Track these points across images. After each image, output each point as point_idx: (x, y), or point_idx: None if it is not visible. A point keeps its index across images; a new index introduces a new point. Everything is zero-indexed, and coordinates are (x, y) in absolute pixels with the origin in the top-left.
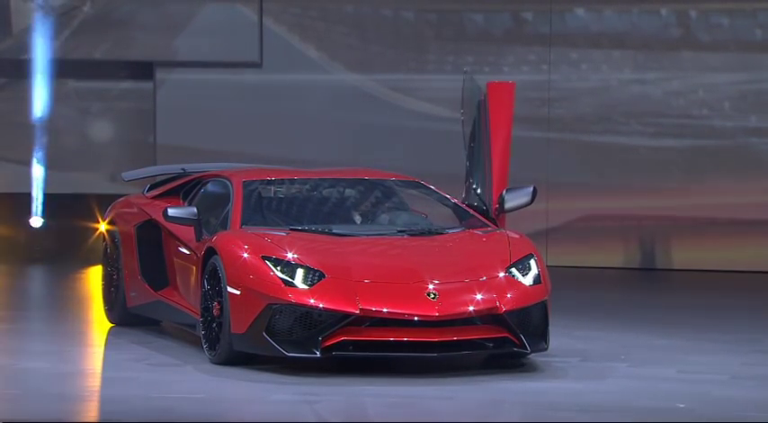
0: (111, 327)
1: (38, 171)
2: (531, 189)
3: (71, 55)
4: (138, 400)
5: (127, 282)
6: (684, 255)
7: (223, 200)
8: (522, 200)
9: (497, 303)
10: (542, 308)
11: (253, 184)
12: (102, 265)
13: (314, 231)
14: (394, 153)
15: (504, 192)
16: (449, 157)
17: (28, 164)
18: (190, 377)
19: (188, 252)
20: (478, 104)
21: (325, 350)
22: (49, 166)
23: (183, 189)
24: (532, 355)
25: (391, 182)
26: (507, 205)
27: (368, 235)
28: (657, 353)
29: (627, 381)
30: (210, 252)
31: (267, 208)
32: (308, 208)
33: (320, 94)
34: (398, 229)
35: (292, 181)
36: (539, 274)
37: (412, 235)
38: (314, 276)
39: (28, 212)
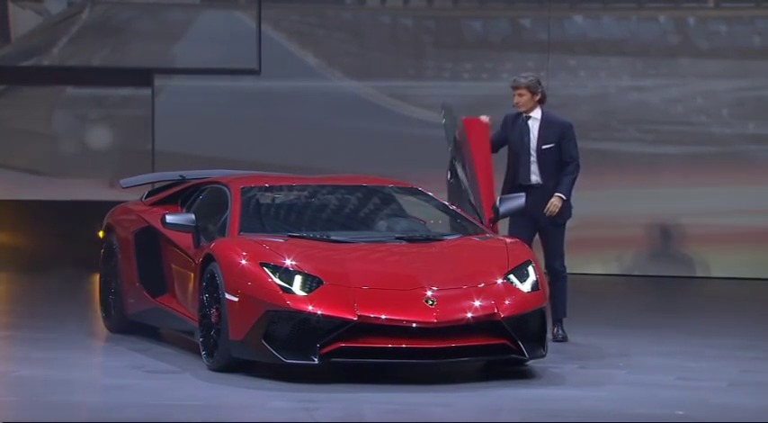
0: (109, 334)
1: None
2: (523, 200)
3: (69, 62)
4: (136, 408)
5: (125, 288)
6: (683, 261)
7: (221, 206)
8: (516, 206)
9: (495, 310)
10: (540, 314)
11: (251, 191)
12: (100, 272)
13: (312, 238)
14: (392, 159)
15: (497, 201)
16: (447, 163)
17: (27, 170)
18: (188, 384)
19: (186, 259)
20: (454, 140)
21: (323, 357)
22: (48, 173)
23: (182, 196)
24: (531, 361)
25: (389, 188)
26: (502, 211)
27: (366, 241)
28: (656, 359)
29: (625, 387)
30: (209, 259)
31: (265, 214)
32: (307, 214)
33: (318, 100)
34: (396, 235)
35: (291, 187)
36: (537, 281)
37: (410, 241)
38: (312, 283)
39: (28, 219)
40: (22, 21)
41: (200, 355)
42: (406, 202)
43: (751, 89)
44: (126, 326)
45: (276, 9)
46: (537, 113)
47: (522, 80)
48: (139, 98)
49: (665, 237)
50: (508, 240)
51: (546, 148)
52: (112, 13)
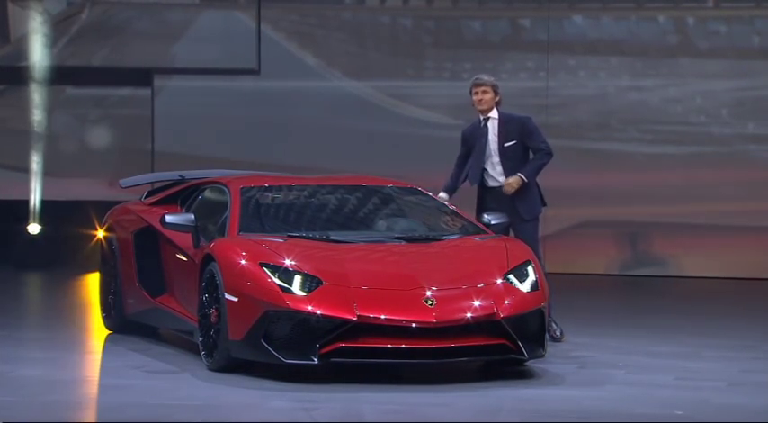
0: (109, 334)
1: (35, 178)
2: (507, 219)
3: (69, 62)
4: (135, 408)
5: (124, 288)
6: (682, 261)
7: (221, 206)
8: (506, 224)
9: (495, 310)
10: (540, 314)
11: (250, 191)
12: (100, 272)
13: (312, 238)
14: (392, 160)
15: (486, 218)
16: (446, 163)
17: (26, 170)
18: (187, 384)
19: (185, 259)
20: None
21: (322, 357)
22: (47, 173)
23: (181, 196)
24: (530, 361)
25: (389, 188)
26: (494, 223)
27: (365, 242)
28: (655, 359)
29: (625, 387)
30: (208, 259)
31: (265, 214)
32: (306, 214)
33: (318, 100)
34: (396, 235)
35: (290, 187)
36: (536, 281)
37: (409, 241)
38: (311, 283)
39: (25, 219)
40: (22, 21)
41: (199, 355)
42: (406, 202)
43: (750, 89)
44: (125, 326)
45: (276, 9)
46: (495, 114)
47: (487, 78)
48: (139, 98)
49: (665, 237)
50: (507, 240)
51: (508, 146)
52: (112, 13)
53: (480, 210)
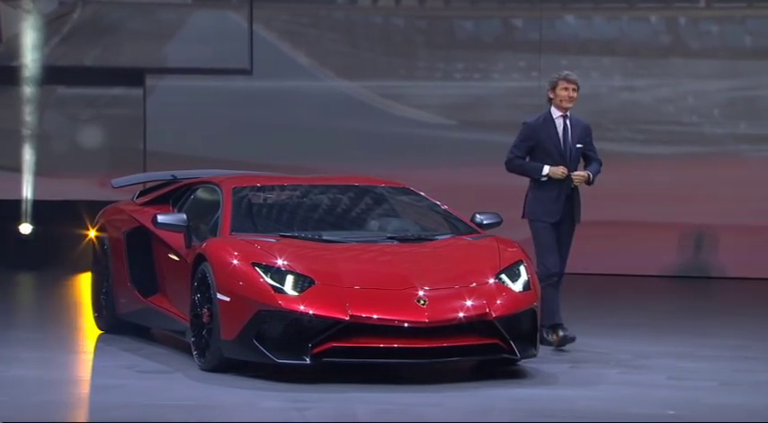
0: (101, 334)
1: (27, 177)
2: (500, 220)
3: (61, 62)
4: (127, 408)
5: (116, 288)
6: (675, 261)
7: (213, 206)
8: (494, 220)
9: (487, 309)
10: (532, 314)
11: (243, 191)
12: (92, 272)
13: (304, 238)
14: (384, 159)
15: (478, 217)
16: (439, 163)
17: (18, 170)
18: (179, 384)
19: (178, 259)
20: None
21: (315, 357)
22: (39, 173)
23: (173, 196)
24: (522, 361)
25: (381, 188)
26: (486, 223)
27: (358, 241)
28: (648, 359)
29: (617, 387)
30: (200, 259)
31: (257, 214)
32: (299, 214)
33: (310, 100)
34: (388, 235)
35: (282, 187)
36: (528, 281)
37: (402, 241)
38: (304, 283)
39: (17, 219)
40: (14, 21)
41: (191, 355)
42: (398, 201)
43: (742, 89)
44: (117, 326)
45: (268, 9)
46: (568, 113)
47: (576, 77)
48: (131, 98)
49: (657, 237)
50: (499, 240)
51: (579, 147)
52: (104, 12)
53: (535, 208)
